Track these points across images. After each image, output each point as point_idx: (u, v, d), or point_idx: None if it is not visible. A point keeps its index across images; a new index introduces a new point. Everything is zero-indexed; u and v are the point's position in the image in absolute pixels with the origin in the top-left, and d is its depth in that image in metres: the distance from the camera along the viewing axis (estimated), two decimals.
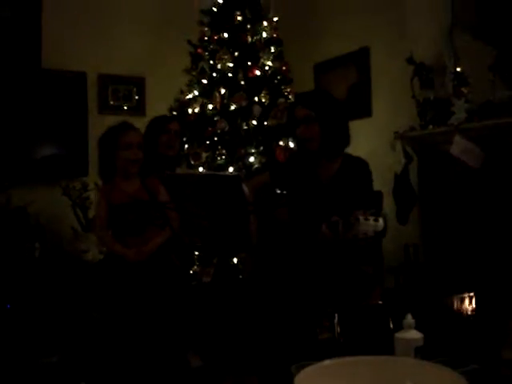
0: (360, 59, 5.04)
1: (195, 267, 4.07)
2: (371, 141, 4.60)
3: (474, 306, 3.00)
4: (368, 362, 1.45)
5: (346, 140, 3.01)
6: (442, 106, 4.10)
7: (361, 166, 2.98)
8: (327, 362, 1.42)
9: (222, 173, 3.99)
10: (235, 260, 3.97)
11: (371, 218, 2.36)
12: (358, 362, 1.45)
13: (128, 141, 3.21)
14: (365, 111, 4.96)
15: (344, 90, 5.13)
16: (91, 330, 3.39)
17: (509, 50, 3.82)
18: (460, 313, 2.97)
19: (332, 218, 2.54)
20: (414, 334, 1.97)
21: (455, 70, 4.05)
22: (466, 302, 3.01)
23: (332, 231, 2.53)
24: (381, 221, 2.37)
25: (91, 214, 4.50)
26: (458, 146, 3.81)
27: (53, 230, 4.79)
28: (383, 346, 2.03)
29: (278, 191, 3.13)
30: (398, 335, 1.98)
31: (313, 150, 2.95)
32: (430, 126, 4.15)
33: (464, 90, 3.98)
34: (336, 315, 2.26)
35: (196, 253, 4.08)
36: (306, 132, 2.93)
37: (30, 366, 3.39)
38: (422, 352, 1.91)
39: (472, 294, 3.03)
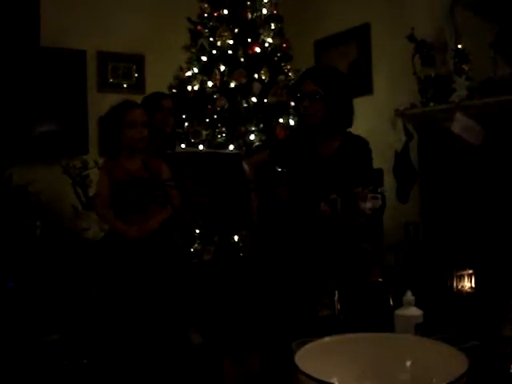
0: (360, 36, 5.01)
1: (196, 245, 4.08)
2: (372, 118, 4.58)
3: (473, 283, 3.02)
4: (368, 339, 1.45)
5: (349, 120, 2.99)
6: (443, 83, 4.08)
7: (361, 145, 2.97)
8: (327, 339, 1.42)
9: (222, 151, 3.98)
10: (236, 238, 3.98)
11: (369, 196, 2.35)
12: (358, 338, 1.45)
13: (133, 119, 3.20)
14: (365, 88, 4.94)
15: (345, 67, 5.09)
16: (92, 307, 3.41)
17: (510, 26, 3.79)
18: (460, 290, 2.99)
19: (330, 196, 2.54)
20: (414, 311, 1.97)
21: (456, 47, 4.03)
22: (466, 279, 3.03)
23: (331, 209, 2.53)
24: (379, 198, 2.36)
25: (91, 192, 4.50)
26: (459, 124, 3.80)
27: (54, 209, 4.81)
28: (383, 323, 2.04)
29: (278, 169, 3.12)
30: (398, 312, 1.99)
31: (313, 123, 2.94)
32: (431, 104, 4.14)
33: (465, 67, 3.96)
34: (336, 292, 2.26)
35: (197, 231, 4.09)
36: (309, 108, 2.92)
37: (31, 343, 3.41)
38: (422, 329, 1.92)
39: (472, 271, 3.04)
